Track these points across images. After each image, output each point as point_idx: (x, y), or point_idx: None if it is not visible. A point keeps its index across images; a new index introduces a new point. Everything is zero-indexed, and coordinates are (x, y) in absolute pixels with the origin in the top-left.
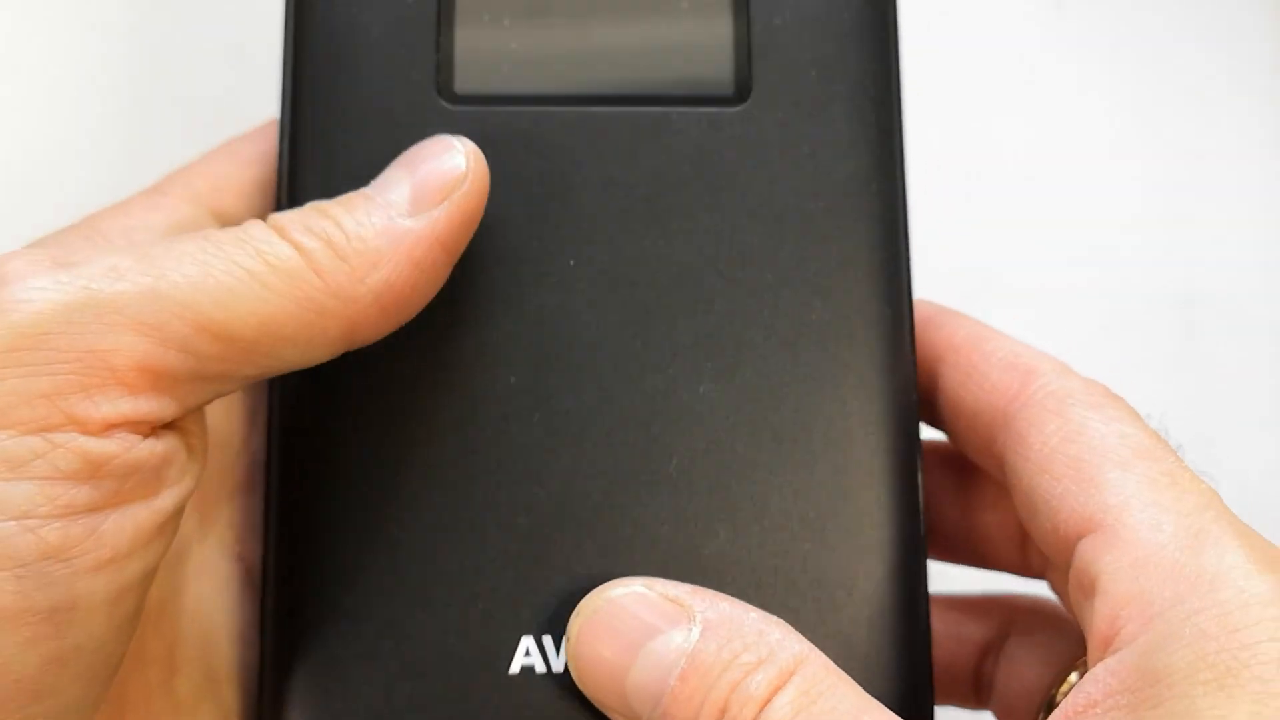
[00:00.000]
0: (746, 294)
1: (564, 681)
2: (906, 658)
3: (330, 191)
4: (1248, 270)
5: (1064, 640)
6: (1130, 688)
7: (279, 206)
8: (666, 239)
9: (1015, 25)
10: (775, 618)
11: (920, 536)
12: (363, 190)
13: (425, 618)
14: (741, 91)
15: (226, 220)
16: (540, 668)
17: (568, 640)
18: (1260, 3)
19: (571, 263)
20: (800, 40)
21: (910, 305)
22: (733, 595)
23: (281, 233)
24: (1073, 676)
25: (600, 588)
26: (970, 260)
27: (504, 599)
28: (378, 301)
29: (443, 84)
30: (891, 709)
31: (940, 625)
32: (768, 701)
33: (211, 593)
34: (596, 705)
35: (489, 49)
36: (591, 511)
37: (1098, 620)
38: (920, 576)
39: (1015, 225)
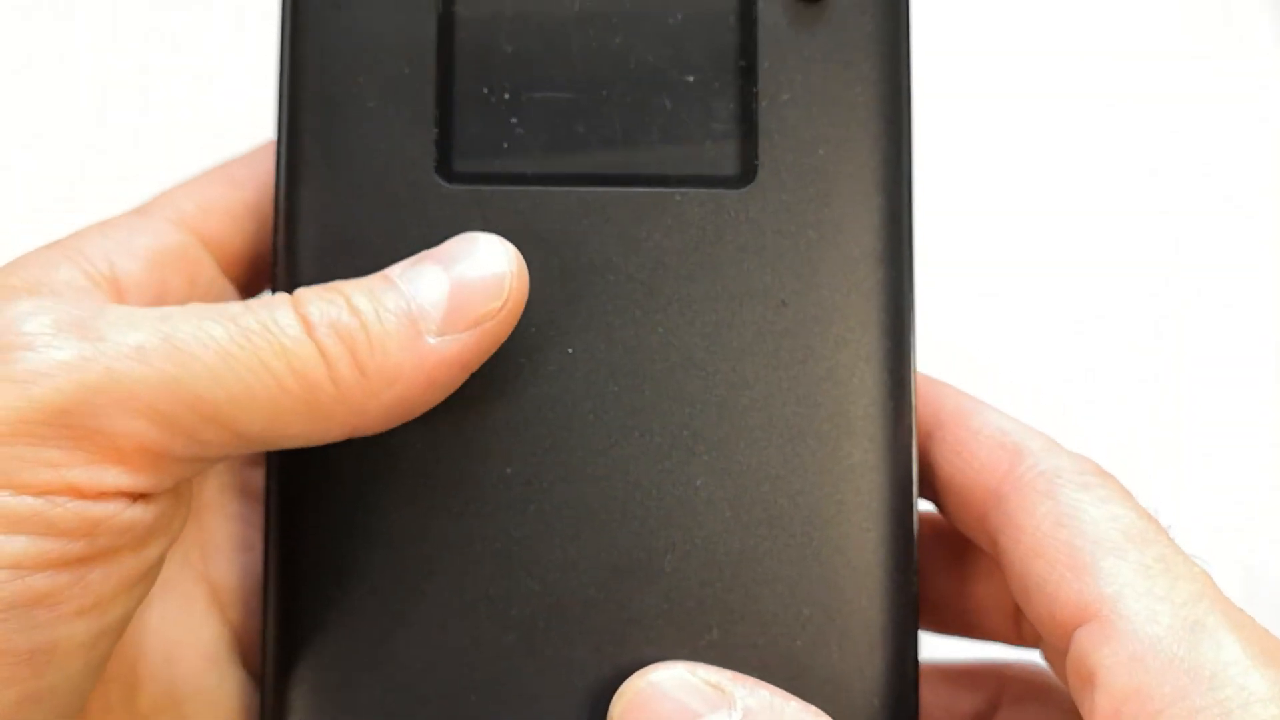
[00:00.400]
0: (747, 384)
1: None
2: None
3: (327, 268)
4: (1247, 270)
5: (1056, 711)
6: None
7: (274, 281)
8: (667, 326)
9: (1015, 25)
10: (813, 707)
11: (913, 617)
12: (395, 283)
13: (415, 706)
14: (747, 172)
15: (212, 245)
16: None
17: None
18: (1260, 2)
19: (570, 350)
20: (809, 118)
21: (913, 392)
22: None
23: (309, 329)
24: None
25: (642, 670)
26: (970, 259)
27: (496, 690)
28: (386, 414)
29: (441, 161)
30: None
31: (931, 696)
32: None
33: (176, 612)
34: None
35: (489, 126)
36: (585, 604)
37: (1099, 715)
38: (911, 652)
39: (1014, 224)
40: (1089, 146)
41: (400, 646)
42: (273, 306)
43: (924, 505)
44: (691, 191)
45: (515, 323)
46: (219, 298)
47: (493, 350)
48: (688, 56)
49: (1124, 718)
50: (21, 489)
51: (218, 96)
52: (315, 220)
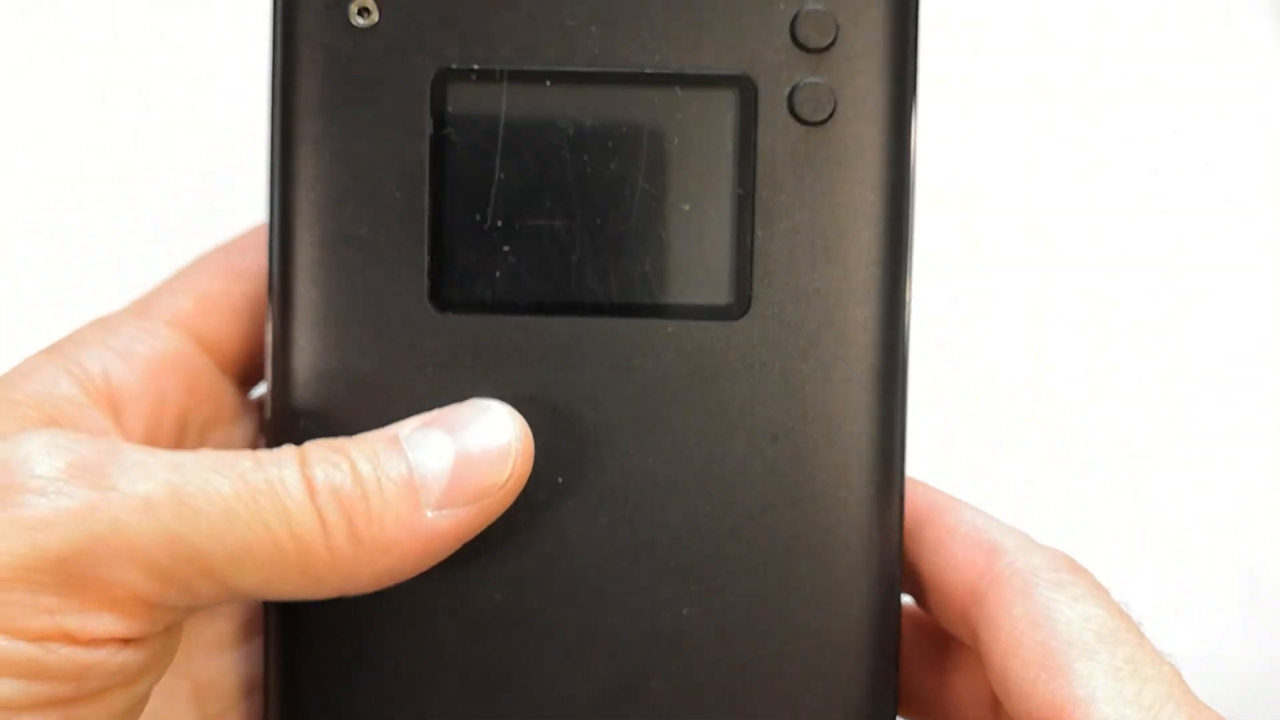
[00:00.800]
0: (734, 515)
1: None
2: None
3: (322, 399)
4: (1247, 270)
5: None
6: None
7: (268, 407)
8: (656, 457)
9: (1014, 26)
10: None
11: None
12: (401, 446)
13: None
14: (741, 304)
15: (210, 345)
16: None
17: None
18: (1260, 2)
19: (560, 479)
20: (806, 248)
21: (901, 520)
22: None
23: (311, 493)
24: None
25: None
26: (971, 259)
27: None
28: (375, 581)
29: (433, 289)
30: None
31: None
32: None
33: (158, 709)
34: None
35: (481, 253)
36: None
37: None
38: None
39: (1014, 224)
40: (1089, 147)
41: None
42: (280, 464)
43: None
44: (684, 323)
45: (515, 497)
46: (218, 400)
47: (489, 522)
48: (684, 184)
49: None
50: (17, 634)
51: (218, 96)
52: (309, 347)
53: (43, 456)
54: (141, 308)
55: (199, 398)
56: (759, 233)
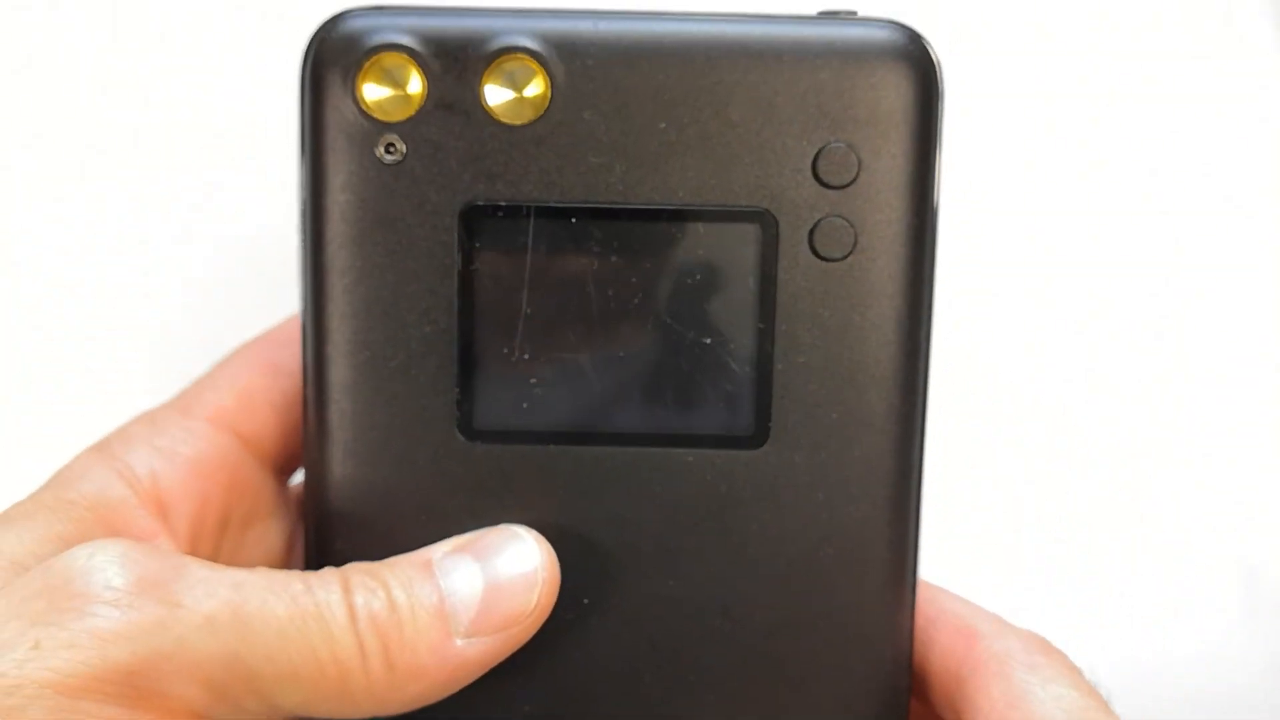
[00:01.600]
0: (753, 638)
1: None
2: None
3: (357, 520)
4: (1247, 269)
5: None
6: None
7: (306, 535)
8: (678, 581)
9: (1013, 26)
10: None
11: None
12: (434, 573)
13: None
14: (760, 434)
15: (252, 441)
16: None
17: None
18: (1260, 2)
19: (585, 601)
20: (824, 380)
21: (911, 633)
22: None
23: (353, 619)
24: None
25: None
26: (971, 258)
27: None
28: (405, 705)
29: (463, 420)
30: None
31: None
32: None
33: None
34: None
35: (508, 385)
36: None
37: None
38: None
39: (1014, 224)
40: (1089, 146)
41: None
42: (327, 588)
43: None
44: (705, 452)
45: (540, 624)
46: (257, 494)
47: (516, 649)
48: (705, 318)
49: None
50: None
51: (218, 96)
52: (344, 471)
53: (116, 569)
54: (185, 405)
55: (239, 493)
56: (778, 365)
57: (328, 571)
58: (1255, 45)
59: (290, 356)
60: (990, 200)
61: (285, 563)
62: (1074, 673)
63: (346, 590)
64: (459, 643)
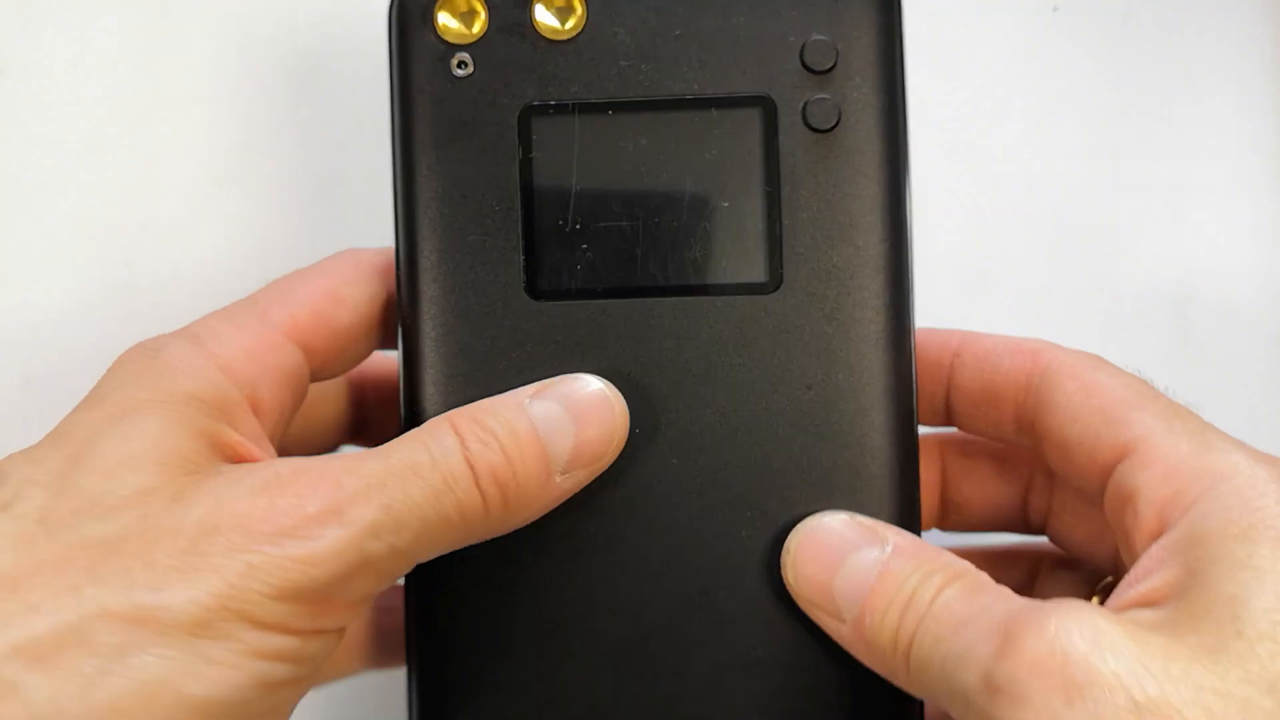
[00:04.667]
0: (774, 452)
1: None
2: None
3: (446, 372)
4: (1244, 270)
5: (1082, 574)
6: (1179, 551)
7: (405, 385)
8: (715, 407)
9: (1012, 27)
10: (948, 552)
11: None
12: (527, 415)
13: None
14: (774, 280)
15: (312, 358)
16: None
17: (785, 553)
18: (1258, 1)
19: (637, 430)
20: (825, 232)
21: (915, 447)
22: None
23: (475, 480)
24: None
25: (811, 516)
26: (969, 260)
27: (595, 704)
28: (512, 529)
29: (529, 282)
30: None
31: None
32: (942, 590)
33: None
34: (804, 606)
35: (564, 252)
36: (654, 636)
37: (1143, 520)
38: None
39: (1014, 224)
40: (1089, 147)
41: (523, 677)
42: (446, 451)
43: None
44: (730, 299)
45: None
46: (310, 410)
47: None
48: (722, 187)
49: (1166, 515)
50: (292, 634)
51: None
52: (432, 332)
53: (310, 502)
54: (264, 311)
55: (302, 410)
56: (785, 222)
57: (440, 422)
58: (1253, 44)
59: (352, 287)
60: (990, 199)
61: None
62: (1130, 373)
63: (464, 447)
64: (558, 478)
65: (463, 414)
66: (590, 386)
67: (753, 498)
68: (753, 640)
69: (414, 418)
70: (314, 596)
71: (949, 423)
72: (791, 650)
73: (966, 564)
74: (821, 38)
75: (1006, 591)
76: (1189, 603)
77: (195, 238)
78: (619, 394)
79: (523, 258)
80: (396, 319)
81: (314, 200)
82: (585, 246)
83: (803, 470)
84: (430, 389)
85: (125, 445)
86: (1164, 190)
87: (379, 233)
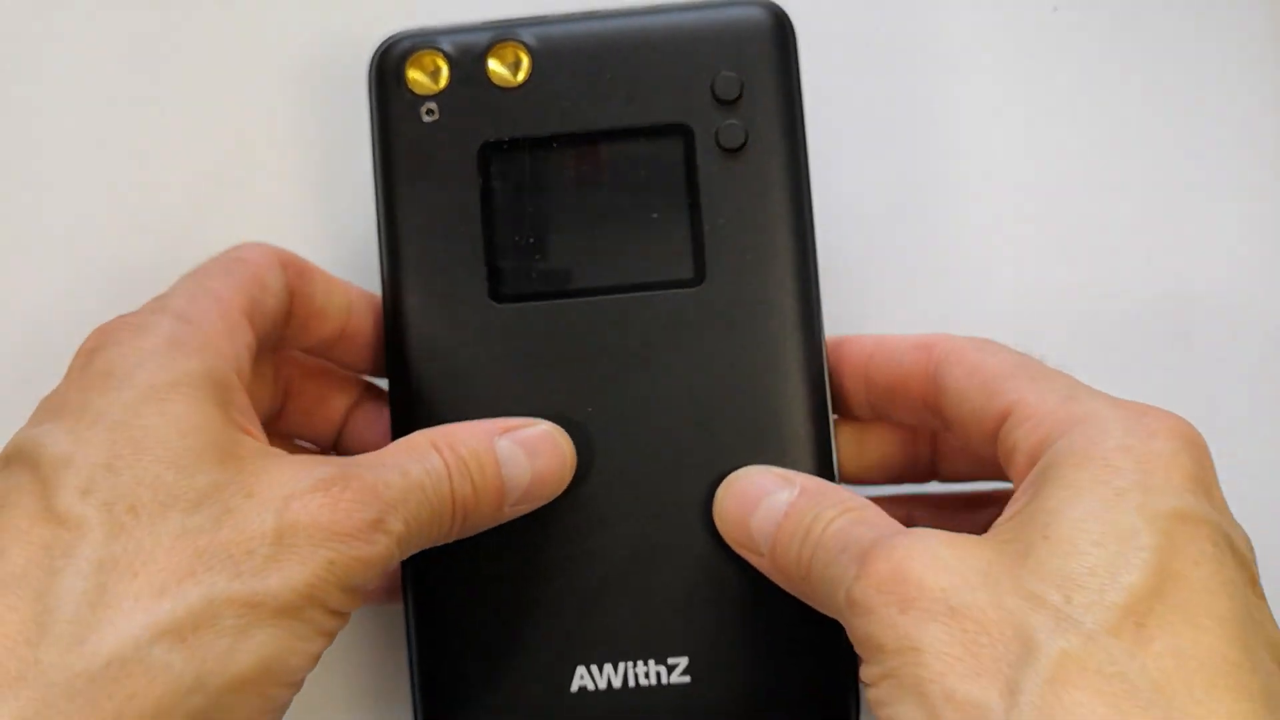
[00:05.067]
0: (709, 423)
1: (611, 696)
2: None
3: (426, 378)
4: (1245, 271)
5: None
6: (1031, 483)
7: (390, 390)
8: (651, 386)
9: (1012, 27)
10: (851, 490)
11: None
12: (498, 464)
13: (517, 656)
14: (699, 276)
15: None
16: (590, 687)
17: (715, 501)
18: (1258, 1)
19: (589, 409)
20: (739, 234)
21: (827, 408)
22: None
23: (452, 504)
24: None
25: (736, 471)
26: (969, 260)
27: (565, 641)
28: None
29: (491, 288)
30: None
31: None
32: (832, 522)
33: None
34: (732, 545)
35: (520, 261)
36: (617, 580)
37: (1019, 469)
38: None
39: (1013, 223)
40: (1088, 147)
41: (508, 618)
42: (439, 483)
43: None
44: (662, 292)
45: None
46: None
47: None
48: (652, 200)
49: (1035, 458)
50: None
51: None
52: (413, 331)
53: (367, 509)
54: (216, 295)
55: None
56: (705, 227)
57: (427, 448)
58: (1253, 44)
59: (272, 274)
60: (990, 200)
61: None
62: (1006, 346)
63: (448, 471)
64: (507, 510)
65: (442, 442)
66: (553, 435)
67: (689, 455)
68: (694, 579)
69: (403, 406)
70: (361, 589)
71: (875, 416)
72: (727, 585)
73: (862, 500)
74: (729, 73)
75: (885, 522)
76: (1017, 519)
77: (195, 238)
78: (570, 442)
79: (485, 268)
80: (384, 322)
81: (314, 200)
82: (538, 256)
83: (732, 432)
84: (415, 377)
85: (178, 433)
86: (1164, 190)
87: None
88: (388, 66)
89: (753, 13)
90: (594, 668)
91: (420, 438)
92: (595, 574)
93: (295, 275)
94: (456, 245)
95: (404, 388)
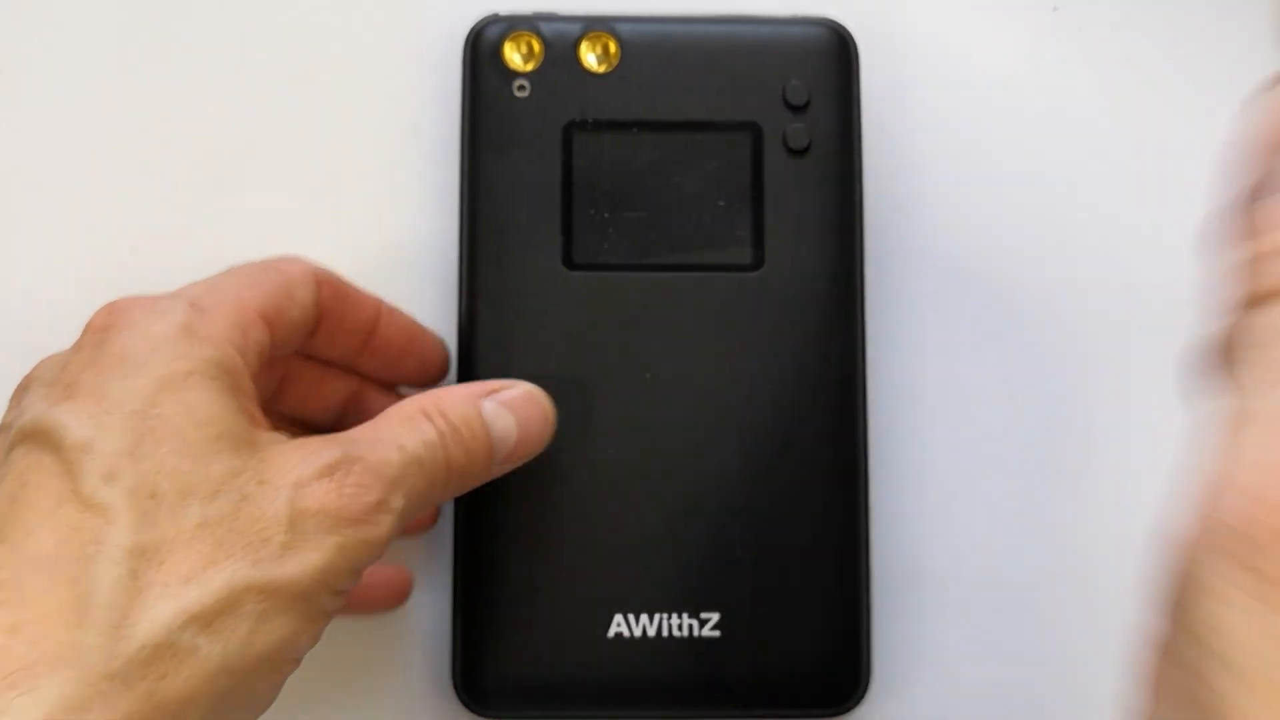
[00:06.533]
0: (755, 396)
1: (645, 644)
2: None
3: (496, 334)
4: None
5: None
6: None
7: (460, 344)
8: (705, 358)
9: (1012, 27)
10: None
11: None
12: (487, 424)
13: (559, 601)
14: (758, 262)
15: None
16: (626, 634)
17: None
18: (1258, 2)
19: (648, 375)
20: (797, 227)
21: (865, 397)
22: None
23: (447, 470)
24: None
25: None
26: (969, 260)
27: (605, 589)
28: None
29: (565, 256)
30: None
31: None
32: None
33: None
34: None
35: (594, 234)
36: (658, 536)
37: None
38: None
39: (1013, 223)
40: (1088, 147)
41: (547, 567)
42: (434, 452)
43: None
44: (722, 274)
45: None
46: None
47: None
48: (720, 189)
49: None
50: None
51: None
52: (487, 289)
53: (370, 491)
54: (237, 294)
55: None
56: (768, 217)
57: (420, 418)
58: (1253, 44)
59: (302, 289)
60: (991, 199)
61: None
62: None
63: (442, 439)
64: (494, 468)
65: (433, 409)
66: (529, 394)
67: (737, 431)
68: (732, 540)
69: (471, 355)
70: (366, 569)
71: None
72: (762, 550)
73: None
74: (798, 82)
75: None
76: None
77: (195, 238)
78: (549, 400)
79: (561, 236)
80: (459, 281)
81: (314, 200)
82: (611, 230)
83: (777, 403)
84: (485, 330)
85: (194, 424)
86: (1164, 190)
87: (379, 233)
88: (486, 42)
89: (823, 31)
90: (630, 616)
91: (411, 406)
92: (638, 528)
93: (330, 294)
94: (535, 212)
95: (474, 339)
